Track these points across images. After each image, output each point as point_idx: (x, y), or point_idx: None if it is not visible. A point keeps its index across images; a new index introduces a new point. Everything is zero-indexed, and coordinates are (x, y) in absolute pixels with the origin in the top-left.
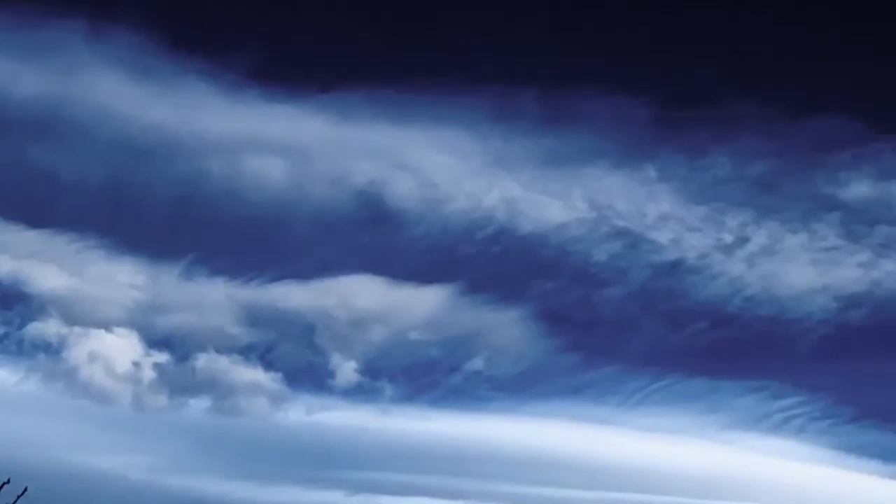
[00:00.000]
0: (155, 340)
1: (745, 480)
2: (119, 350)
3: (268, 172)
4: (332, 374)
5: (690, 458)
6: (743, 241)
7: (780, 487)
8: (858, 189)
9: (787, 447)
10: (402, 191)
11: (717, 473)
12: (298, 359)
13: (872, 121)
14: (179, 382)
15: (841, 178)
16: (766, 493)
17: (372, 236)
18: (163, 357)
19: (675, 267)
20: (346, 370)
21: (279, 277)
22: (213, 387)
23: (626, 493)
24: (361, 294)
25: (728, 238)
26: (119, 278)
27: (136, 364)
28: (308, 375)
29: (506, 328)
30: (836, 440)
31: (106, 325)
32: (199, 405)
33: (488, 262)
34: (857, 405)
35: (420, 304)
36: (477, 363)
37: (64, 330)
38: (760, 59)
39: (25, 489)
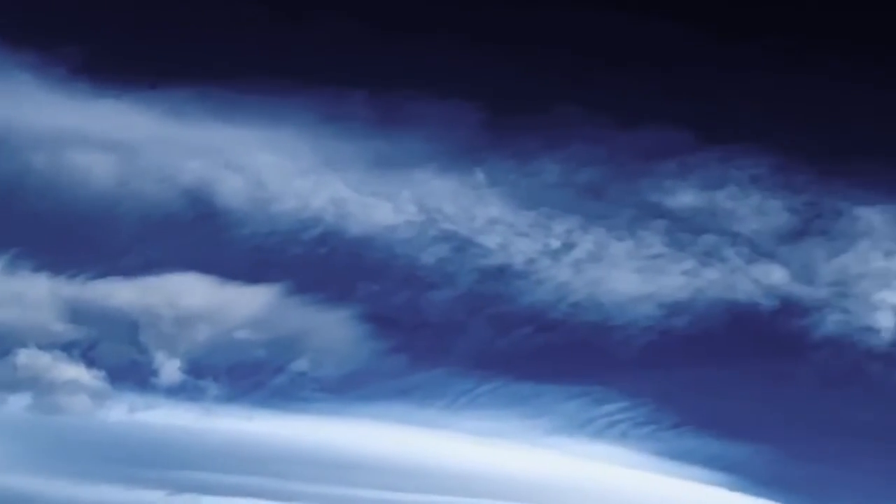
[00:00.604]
0: None
1: (568, 485)
2: None
3: (94, 168)
4: (155, 373)
5: (515, 461)
6: (569, 247)
7: (603, 492)
8: (684, 198)
9: (610, 452)
10: (230, 190)
11: (540, 477)
12: (122, 357)
13: (699, 130)
14: None
15: (667, 186)
16: (589, 497)
17: (199, 235)
18: None
19: (502, 271)
20: (170, 369)
21: (104, 274)
22: (33, 384)
23: (451, 496)
24: (187, 292)
25: (555, 244)
26: None
27: None
28: (131, 374)
29: (332, 329)
30: (657, 446)
31: None
32: (18, 402)
33: (315, 263)
34: (679, 412)
35: (246, 304)
36: (302, 364)
37: None
38: (590, 66)
39: None
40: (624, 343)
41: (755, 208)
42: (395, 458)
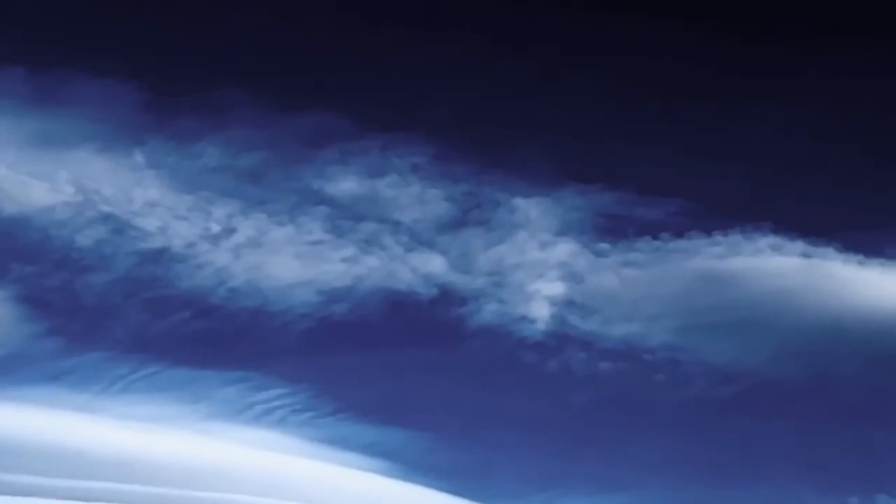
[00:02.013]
0: None
1: (226, 470)
2: None
3: None
4: None
5: (171, 447)
6: (230, 231)
7: (261, 478)
8: (345, 185)
9: (268, 438)
10: None
11: (197, 463)
12: None
13: (361, 118)
14: None
15: (329, 173)
16: (247, 483)
17: None
18: None
19: (161, 255)
20: None
21: None
22: None
23: (106, 482)
24: None
25: (215, 228)
26: None
27: None
28: None
29: None
30: (316, 432)
31: None
32: None
33: None
34: (338, 398)
35: None
36: None
37: None
38: (253, 51)
39: None
40: (283, 329)
41: (415, 197)
42: (49, 442)
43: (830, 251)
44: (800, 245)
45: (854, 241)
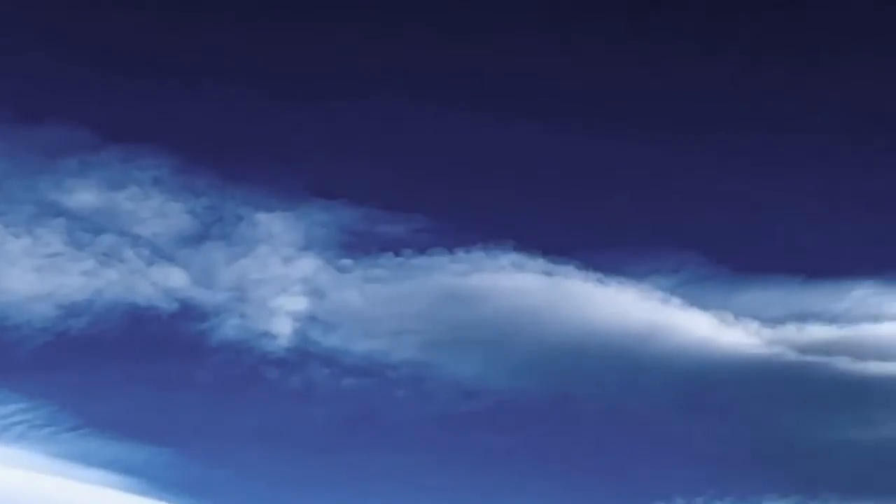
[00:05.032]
0: None
1: None
2: None
3: None
4: None
5: None
6: None
7: (2, 494)
8: (84, 197)
9: (8, 454)
10: None
11: None
12: None
13: (100, 128)
14: None
15: (67, 184)
16: None
17: None
18: None
19: None
20: None
21: None
22: None
23: None
24: None
25: None
26: None
27: None
28: None
29: None
30: (57, 448)
31: None
32: None
33: None
34: (79, 413)
35: None
36: None
37: None
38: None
39: None
40: (20, 343)
41: (156, 210)
42: None
43: (571, 269)
44: (541, 263)
45: (593, 259)
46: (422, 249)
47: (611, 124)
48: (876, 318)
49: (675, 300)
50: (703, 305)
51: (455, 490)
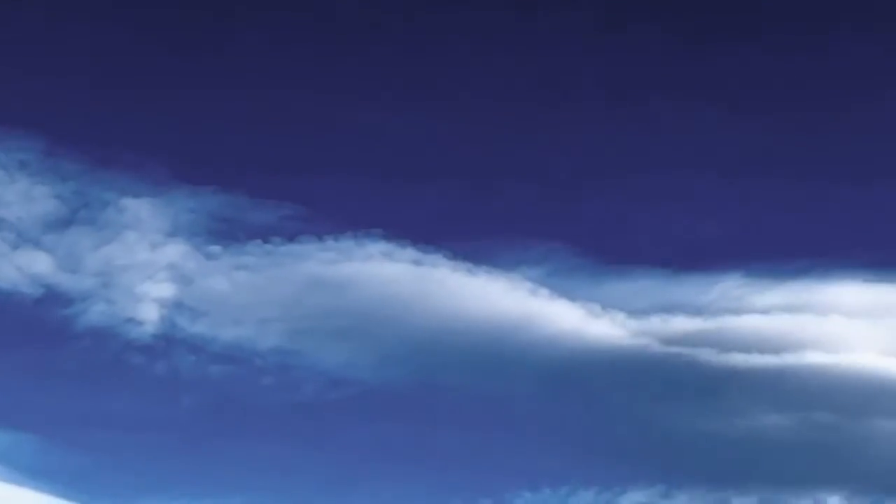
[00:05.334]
0: None
1: None
2: None
3: None
4: None
5: None
6: None
7: None
8: None
9: None
10: None
11: None
12: None
13: None
14: None
15: None
16: None
17: None
18: None
19: None
20: None
21: None
22: None
23: None
24: None
25: None
26: None
27: None
28: None
29: None
30: None
31: None
32: None
33: None
34: None
35: None
36: None
37: None
38: None
39: None
40: None
41: (22, 194)
42: None
43: (440, 258)
44: (410, 252)
45: (463, 249)
46: (290, 237)
47: (479, 116)
48: (739, 311)
49: (543, 291)
50: (571, 296)
51: (320, 477)
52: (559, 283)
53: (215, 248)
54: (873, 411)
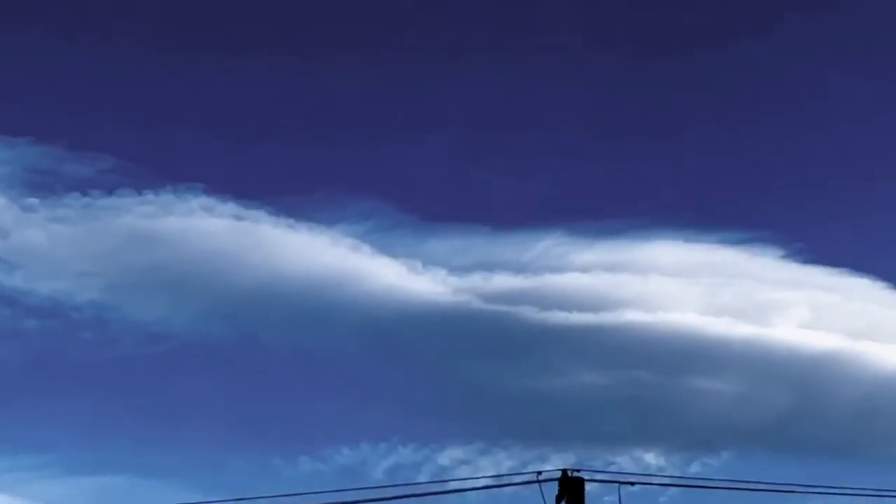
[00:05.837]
0: None
1: None
2: None
3: None
4: None
5: None
6: None
7: None
8: None
9: None
10: None
11: None
12: None
13: None
14: None
15: None
16: None
17: None
18: None
19: None
20: None
21: None
22: None
23: None
24: None
25: None
26: None
27: None
28: None
29: None
30: None
31: None
32: None
33: None
34: None
35: None
36: None
37: None
38: None
39: None
40: None
41: None
42: None
43: (262, 213)
44: (231, 206)
45: (284, 204)
46: (109, 190)
47: (301, 70)
48: (560, 269)
49: (365, 247)
50: (393, 253)
51: (136, 433)
52: (381, 239)
53: (32, 201)
54: (690, 370)
